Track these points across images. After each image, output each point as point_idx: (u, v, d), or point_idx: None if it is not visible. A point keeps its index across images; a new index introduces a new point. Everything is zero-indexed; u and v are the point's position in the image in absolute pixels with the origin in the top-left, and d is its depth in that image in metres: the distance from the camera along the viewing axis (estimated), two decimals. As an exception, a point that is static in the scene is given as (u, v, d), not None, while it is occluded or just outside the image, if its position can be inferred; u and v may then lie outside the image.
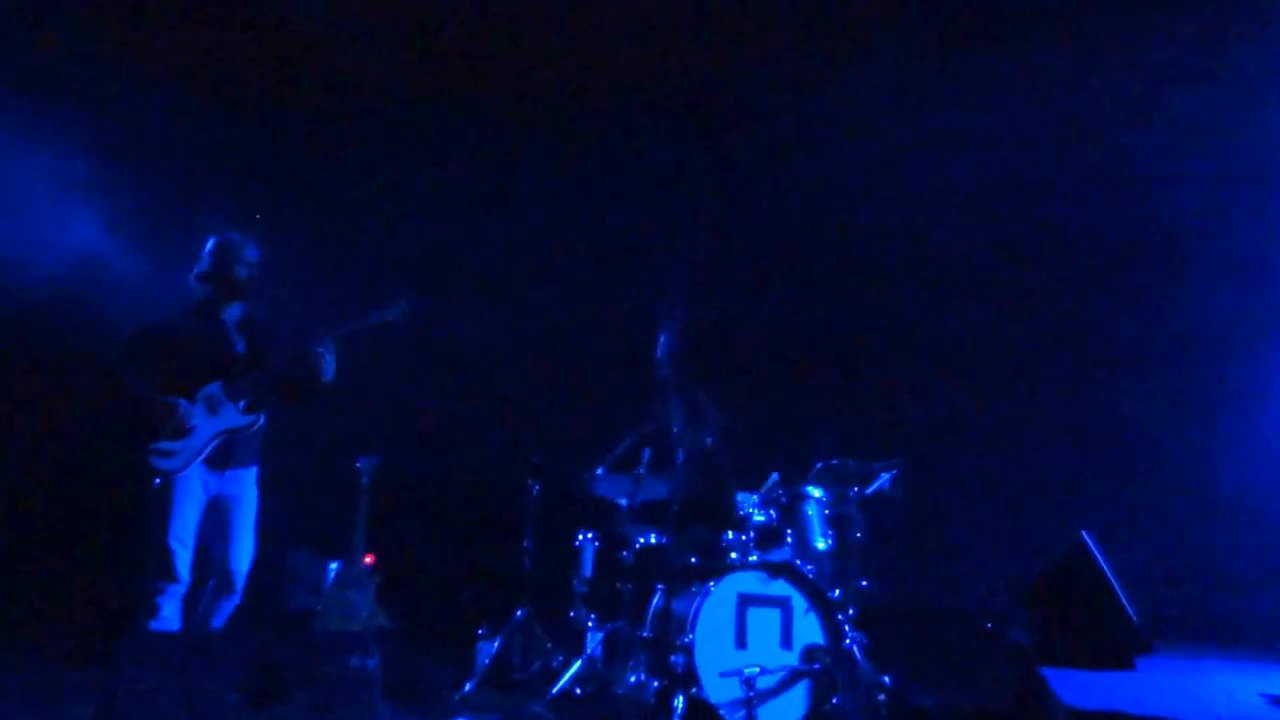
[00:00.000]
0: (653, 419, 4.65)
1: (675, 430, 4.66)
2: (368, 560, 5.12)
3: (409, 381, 6.33)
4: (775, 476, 4.62)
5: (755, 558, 4.34)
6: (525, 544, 4.75)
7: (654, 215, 6.37)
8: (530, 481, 4.85)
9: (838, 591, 4.34)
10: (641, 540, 4.51)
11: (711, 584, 4.07)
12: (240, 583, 3.95)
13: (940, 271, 6.16)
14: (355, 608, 4.96)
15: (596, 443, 4.84)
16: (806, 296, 6.35)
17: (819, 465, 4.74)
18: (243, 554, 3.96)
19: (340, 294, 5.07)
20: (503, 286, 6.68)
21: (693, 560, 4.44)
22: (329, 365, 3.93)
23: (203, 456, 3.86)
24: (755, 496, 4.57)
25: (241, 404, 3.93)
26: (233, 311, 4.03)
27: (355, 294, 4.83)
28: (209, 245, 4.08)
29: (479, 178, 6.38)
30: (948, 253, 6.13)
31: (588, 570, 4.60)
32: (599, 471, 4.79)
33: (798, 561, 4.32)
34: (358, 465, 5.11)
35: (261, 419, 3.99)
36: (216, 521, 3.93)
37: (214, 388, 3.90)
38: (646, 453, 4.59)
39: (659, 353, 4.25)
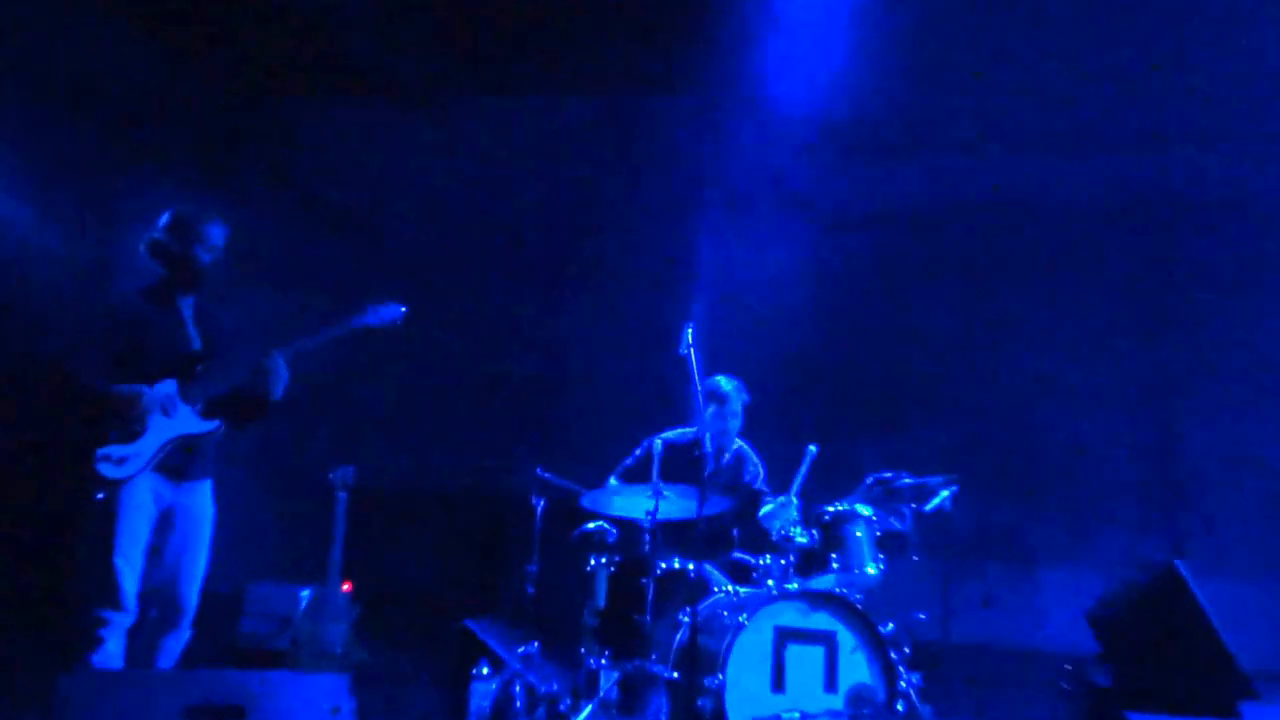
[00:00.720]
0: (675, 422, 4.69)
1: (702, 435, 4.65)
2: (345, 588, 5.08)
3: (392, 381, 6.46)
4: (813, 452, 4.58)
5: (795, 586, 4.32)
6: (529, 568, 4.72)
7: (671, 198, 6.48)
8: (534, 497, 4.80)
9: (890, 625, 4.32)
10: (663, 565, 4.47)
11: (745, 617, 4.06)
12: (190, 614, 3.90)
13: (1007, 261, 6.33)
14: (330, 643, 4.93)
15: (609, 451, 4.83)
16: (852, 287, 6.47)
17: (868, 480, 4.73)
18: (194, 579, 3.91)
19: (306, 293, 5.10)
20: (500, 279, 6.76)
21: (723, 589, 4.43)
22: (278, 383, 3.90)
23: (155, 464, 3.82)
24: (794, 501, 4.55)
25: (198, 406, 3.91)
26: (187, 300, 3.98)
27: (324, 293, 5.04)
28: (165, 219, 3.99)
29: (471, 164, 6.51)
30: (1014, 242, 6.31)
31: (601, 600, 4.56)
32: (612, 483, 4.79)
33: (844, 590, 4.31)
34: (331, 478, 5.09)
35: (221, 425, 3.98)
36: (167, 539, 3.88)
37: (169, 386, 3.86)
38: (658, 461, 4.59)
39: (682, 347, 4.15)
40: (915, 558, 4.67)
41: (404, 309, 4.03)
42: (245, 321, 4.05)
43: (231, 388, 3.92)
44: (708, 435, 4.74)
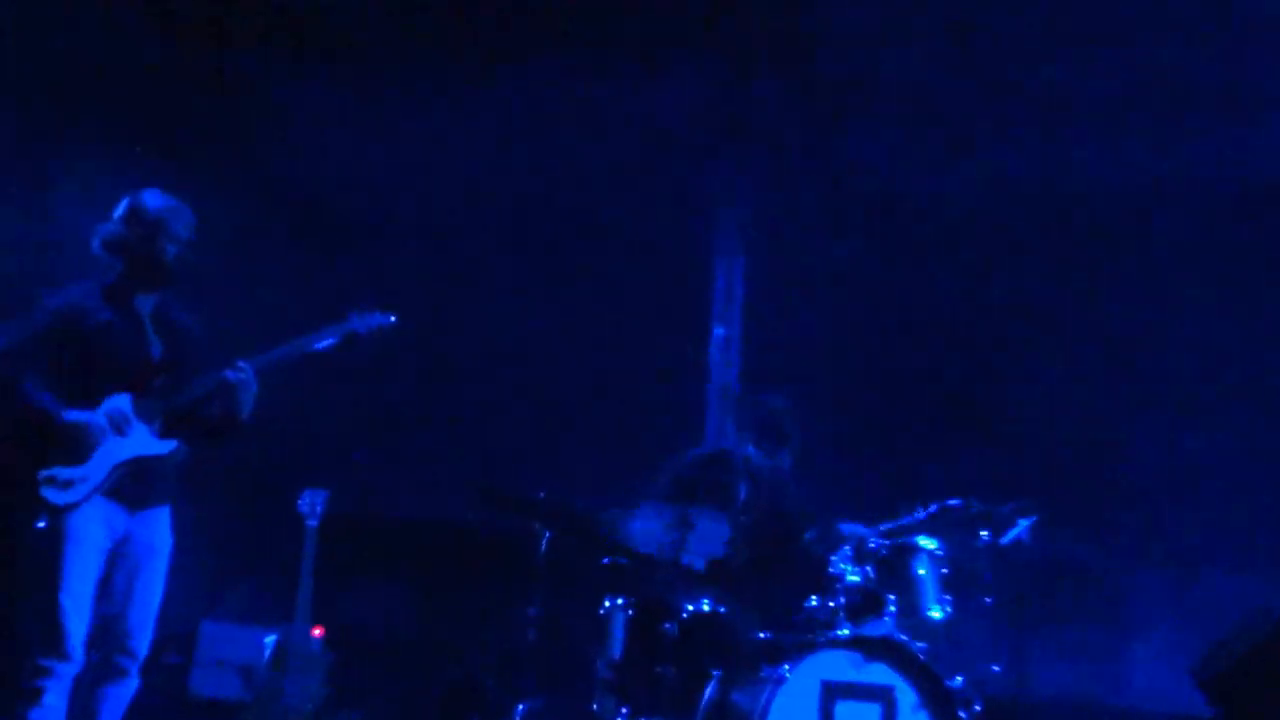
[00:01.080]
0: (705, 440, 4.61)
1: (736, 454, 4.67)
2: (316, 633, 5.00)
3: (373, 393, 6.36)
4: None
5: (846, 632, 4.28)
6: (530, 611, 4.64)
7: (699, 160, 6.42)
8: (537, 527, 4.75)
9: (959, 679, 4.27)
10: (690, 607, 4.43)
11: (787, 668, 4.00)
12: (139, 661, 3.83)
13: (1097, 251, 6.19)
14: (298, 698, 4.82)
15: (626, 474, 4.78)
16: (909, 283, 6.33)
17: (933, 508, 4.67)
18: (146, 621, 3.85)
19: (284, 296, 5.10)
20: (500, 279, 6.69)
21: (761, 635, 4.36)
22: (247, 399, 3.86)
23: (106, 488, 3.74)
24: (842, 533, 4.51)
25: (156, 425, 3.83)
26: (146, 301, 3.91)
27: (305, 296, 4.82)
28: (123, 206, 3.92)
29: (468, 148, 6.42)
30: (1102, 233, 6.18)
31: (617, 649, 4.53)
32: (630, 511, 4.72)
33: (904, 637, 4.25)
34: (300, 505, 5.02)
35: (181, 446, 3.88)
36: (117, 574, 3.80)
37: (122, 401, 3.77)
38: (684, 485, 4.55)
39: (713, 351, 4.14)
40: (988, 600, 4.59)
41: (393, 318, 4.00)
42: (212, 327, 4.00)
43: (194, 403, 3.86)
44: (744, 455, 4.69)
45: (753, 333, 6.07)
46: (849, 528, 4.66)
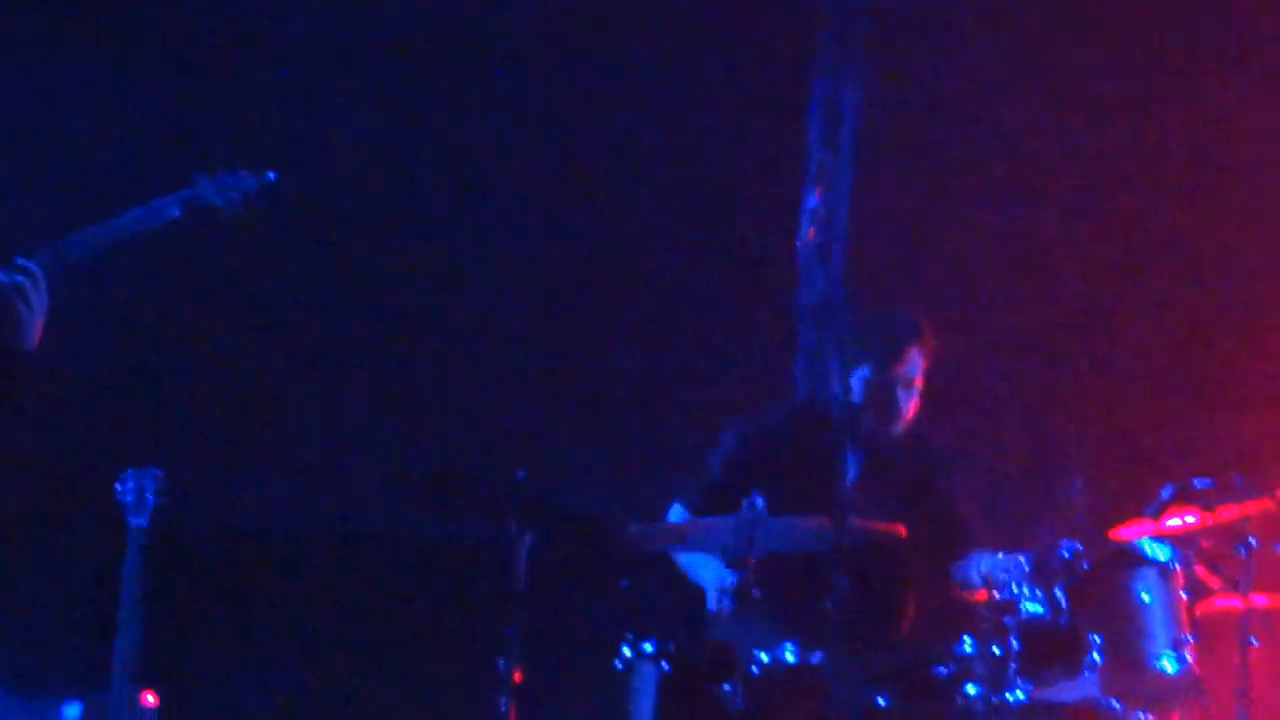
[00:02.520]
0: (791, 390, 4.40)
1: (843, 414, 4.67)
2: (147, 700, 5.05)
3: (249, 327, 6.50)
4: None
5: (1020, 695, 4.32)
6: (501, 664, 4.62)
7: None
8: (514, 528, 4.72)
9: None
10: (765, 657, 4.44)
11: None
12: None
13: None
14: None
15: (656, 449, 4.54)
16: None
17: (1167, 492, 4.79)
18: None
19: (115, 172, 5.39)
20: (463, 170, 6.92)
21: (880, 702, 4.42)
22: (30, 320, 3.85)
23: None
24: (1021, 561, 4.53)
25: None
26: None
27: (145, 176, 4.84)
28: None
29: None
30: None
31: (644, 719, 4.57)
32: (672, 514, 4.97)
33: (1116, 705, 4.31)
34: (120, 491, 5.11)
35: None
36: None
37: None
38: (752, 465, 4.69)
39: (801, 246, 4.06)
40: (1254, 641, 4.67)
41: (272, 175, 4.13)
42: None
43: None
44: (857, 411, 4.70)
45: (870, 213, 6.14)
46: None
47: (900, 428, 5.06)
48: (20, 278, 3.79)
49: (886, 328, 5.06)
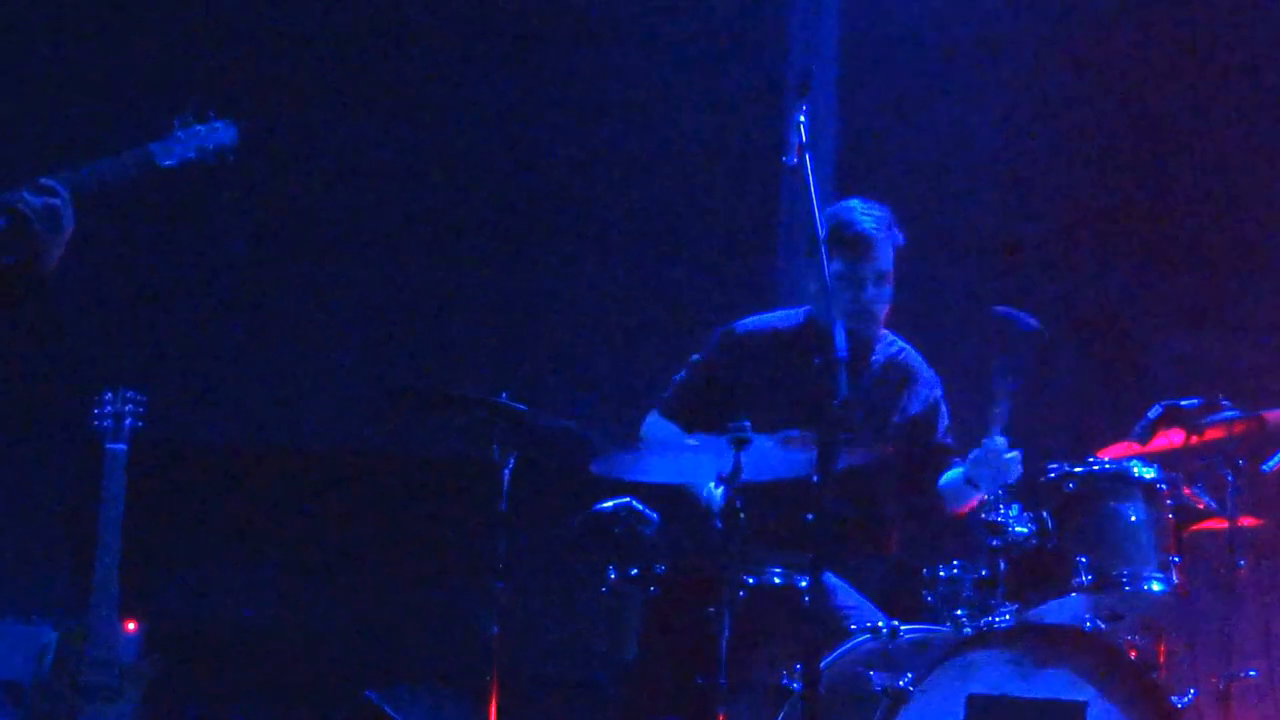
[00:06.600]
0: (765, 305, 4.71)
1: (821, 320, 4.65)
2: (128, 627, 5.07)
3: (226, 250, 6.57)
4: None
5: (1007, 618, 4.29)
6: (495, 584, 4.66)
7: None
8: (497, 450, 4.71)
9: (1190, 692, 4.30)
10: (752, 580, 4.42)
11: (911, 677, 4.05)
12: None
13: None
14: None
15: (634, 364, 4.71)
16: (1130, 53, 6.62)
17: (1154, 412, 4.76)
18: None
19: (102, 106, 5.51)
20: (429, 88, 7.01)
21: (869, 624, 4.43)
22: (60, 239, 3.95)
23: None
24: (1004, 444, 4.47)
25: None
26: None
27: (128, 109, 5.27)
28: None
29: None
30: None
31: (631, 646, 4.60)
32: (650, 425, 4.95)
33: (1102, 624, 4.33)
34: (97, 418, 5.12)
35: None
36: None
37: None
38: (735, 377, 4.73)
39: (790, 153, 4.19)
40: (1241, 563, 4.64)
41: (235, 127, 4.22)
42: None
43: None
44: (835, 320, 4.46)
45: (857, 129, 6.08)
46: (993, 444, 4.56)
47: (876, 330, 5.02)
48: (52, 200, 3.89)
49: (857, 220, 4.98)
